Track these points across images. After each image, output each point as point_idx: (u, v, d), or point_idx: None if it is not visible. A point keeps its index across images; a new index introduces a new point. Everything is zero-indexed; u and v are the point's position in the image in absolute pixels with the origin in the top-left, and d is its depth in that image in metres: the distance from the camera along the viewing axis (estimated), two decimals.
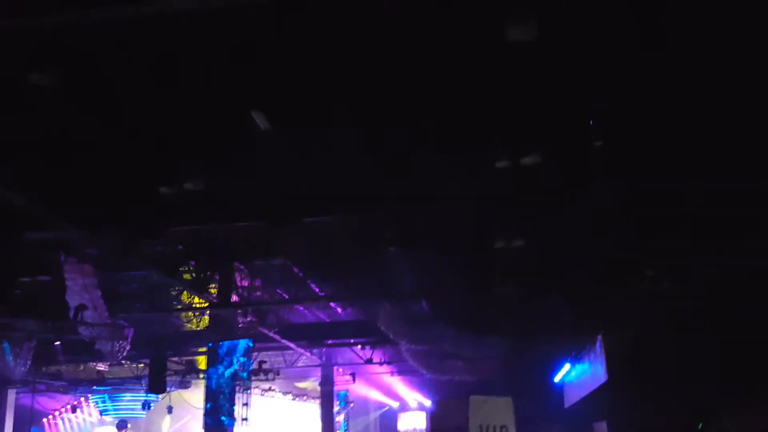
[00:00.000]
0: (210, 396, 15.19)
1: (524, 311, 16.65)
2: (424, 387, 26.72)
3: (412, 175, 10.08)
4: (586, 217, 11.17)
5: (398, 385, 27.36)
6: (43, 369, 19.46)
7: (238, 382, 15.23)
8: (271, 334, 17.46)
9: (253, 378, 17.27)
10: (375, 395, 28.18)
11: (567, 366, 20.59)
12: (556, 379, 21.96)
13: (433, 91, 8.13)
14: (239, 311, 15.75)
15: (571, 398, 20.60)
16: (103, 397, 24.73)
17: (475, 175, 10.15)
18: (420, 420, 28.31)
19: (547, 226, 12.00)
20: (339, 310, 18.29)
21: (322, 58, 7.51)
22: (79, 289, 13.33)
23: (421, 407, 27.99)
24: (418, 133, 8.96)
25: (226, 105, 8.49)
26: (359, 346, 21.64)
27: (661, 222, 11.29)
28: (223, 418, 14.91)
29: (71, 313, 13.85)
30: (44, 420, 25.76)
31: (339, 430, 25.31)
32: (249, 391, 15.65)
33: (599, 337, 15.90)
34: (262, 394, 22.35)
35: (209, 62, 7.64)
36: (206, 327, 16.55)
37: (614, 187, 10.23)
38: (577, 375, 19.80)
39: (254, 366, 18.05)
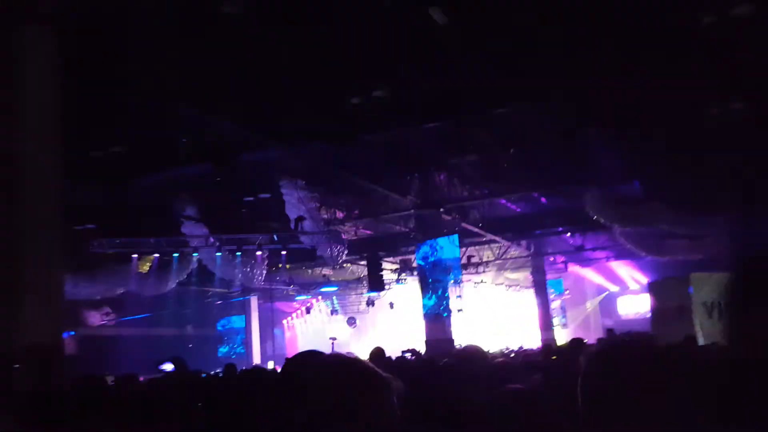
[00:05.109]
0: (425, 291, 15.98)
1: (751, 182, 15.19)
2: (644, 268, 25.63)
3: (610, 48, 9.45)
4: None
5: (616, 268, 26.54)
6: (276, 277, 21.60)
7: (449, 276, 15.81)
8: (475, 230, 17.75)
9: (464, 271, 17.79)
10: (592, 281, 27.66)
11: None
12: None
13: None
14: (442, 210, 16.13)
15: None
16: (332, 298, 27.15)
17: (683, 36, 9.25)
18: (643, 302, 27.38)
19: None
20: (543, 199, 17.97)
21: None
22: (296, 202, 14.53)
23: (644, 289, 26.96)
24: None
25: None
26: (568, 234, 21.28)
27: None
28: (439, 310, 15.65)
29: (292, 225, 15.22)
30: (284, 321, 29.02)
31: (557, 316, 25.40)
32: (461, 284, 16.19)
33: None
34: (475, 286, 22.98)
35: None
36: (413, 227, 17.21)
37: None
38: None
39: (463, 260, 18.56)
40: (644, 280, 26.64)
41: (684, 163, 14.74)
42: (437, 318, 15.68)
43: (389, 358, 8.38)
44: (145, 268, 18.20)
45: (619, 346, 1.82)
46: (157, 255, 17.69)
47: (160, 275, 18.28)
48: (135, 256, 17.33)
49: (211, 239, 17.14)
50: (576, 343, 7.58)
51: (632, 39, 9.32)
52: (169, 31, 8.40)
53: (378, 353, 7.73)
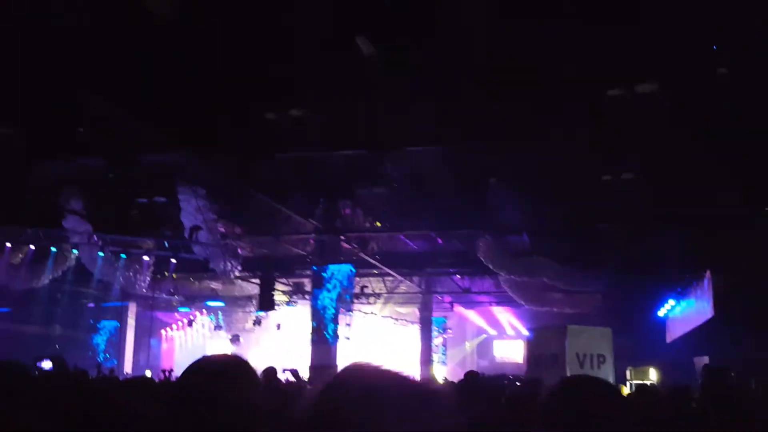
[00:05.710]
0: (315, 315, 15.88)
1: (630, 246, 16.21)
2: (522, 317, 26.67)
3: (519, 109, 9.85)
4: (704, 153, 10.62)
5: (497, 313, 27.46)
6: (161, 285, 20.77)
7: (341, 304, 15.81)
8: (372, 261, 17.87)
9: (355, 301, 17.80)
10: (473, 322, 28.45)
11: (671, 301, 20.09)
12: (660, 313, 21.46)
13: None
14: (342, 238, 16.14)
15: (674, 333, 20.16)
16: (217, 313, 26.36)
17: (587, 106, 9.80)
18: (517, 348, 28.39)
19: (661, 159, 11.52)
20: (439, 240, 18.39)
21: None
22: (193, 211, 14.07)
23: (519, 335, 27.99)
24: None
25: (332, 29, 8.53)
26: (458, 276, 21.84)
27: None
28: (327, 336, 15.58)
29: (186, 233, 14.72)
30: (162, 332, 27.84)
31: (437, 353, 25.86)
32: (351, 313, 16.20)
33: (707, 273, 15.38)
34: (364, 317, 23.06)
35: None
36: (311, 251, 17.10)
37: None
38: (681, 310, 19.31)
39: (356, 290, 18.62)
40: (521, 327, 27.69)
41: (572, 223, 15.55)
42: (323, 344, 15.58)
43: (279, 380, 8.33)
44: (18, 259, 17.01)
45: (579, 381, 1.92)
46: (32, 247, 16.60)
47: (33, 269, 17.15)
48: (8, 245, 16.18)
49: (95, 238, 16.29)
50: (471, 376, 7.35)
51: (541, 102, 9.78)
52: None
53: (271, 372, 7.64)
